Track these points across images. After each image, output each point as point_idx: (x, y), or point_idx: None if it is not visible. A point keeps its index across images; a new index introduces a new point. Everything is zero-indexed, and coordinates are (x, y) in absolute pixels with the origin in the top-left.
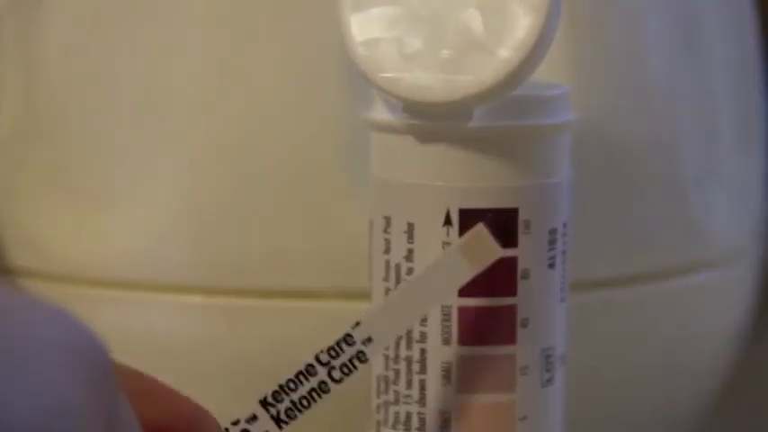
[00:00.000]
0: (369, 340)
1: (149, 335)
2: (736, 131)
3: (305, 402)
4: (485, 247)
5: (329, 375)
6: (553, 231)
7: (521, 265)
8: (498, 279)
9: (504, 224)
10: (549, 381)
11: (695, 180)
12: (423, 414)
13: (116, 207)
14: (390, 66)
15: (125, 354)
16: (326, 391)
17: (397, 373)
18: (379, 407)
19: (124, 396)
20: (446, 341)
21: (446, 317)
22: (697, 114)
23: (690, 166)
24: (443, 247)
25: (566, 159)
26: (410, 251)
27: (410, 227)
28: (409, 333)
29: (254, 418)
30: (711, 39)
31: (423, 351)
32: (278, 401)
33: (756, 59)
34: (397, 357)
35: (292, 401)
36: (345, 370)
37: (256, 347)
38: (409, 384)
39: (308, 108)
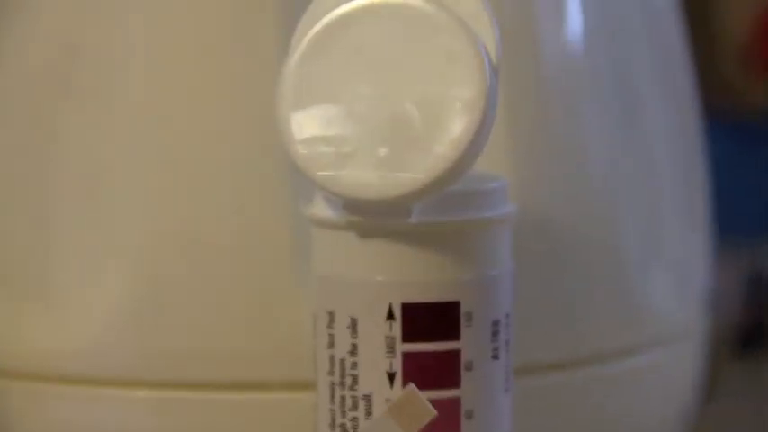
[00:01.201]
0: None
1: (95, 430)
2: (680, 209)
3: None
4: (417, 409)
5: None
6: (496, 323)
7: (464, 358)
8: (442, 372)
9: (446, 317)
10: None
11: (638, 262)
12: None
13: (57, 299)
14: (329, 164)
15: None
16: None
17: None
18: None
19: None
20: None
21: None
22: (639, 195)
23: (633, 248)
24: (386, 341)
25: (507, 250)
26: (354, 345)
27: (353, 321)
28: (355, 422)
29: None
30: (652, 117)
31: None
32: None
33: (698, 135)
34: None
35: None
36: None
37: None
38: None
39: (253, 200)
